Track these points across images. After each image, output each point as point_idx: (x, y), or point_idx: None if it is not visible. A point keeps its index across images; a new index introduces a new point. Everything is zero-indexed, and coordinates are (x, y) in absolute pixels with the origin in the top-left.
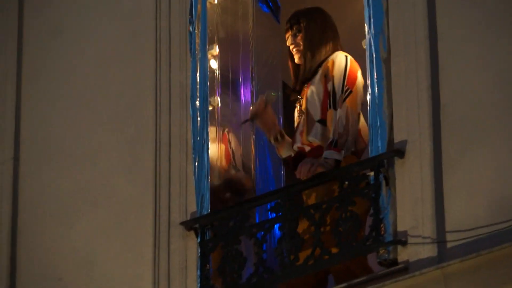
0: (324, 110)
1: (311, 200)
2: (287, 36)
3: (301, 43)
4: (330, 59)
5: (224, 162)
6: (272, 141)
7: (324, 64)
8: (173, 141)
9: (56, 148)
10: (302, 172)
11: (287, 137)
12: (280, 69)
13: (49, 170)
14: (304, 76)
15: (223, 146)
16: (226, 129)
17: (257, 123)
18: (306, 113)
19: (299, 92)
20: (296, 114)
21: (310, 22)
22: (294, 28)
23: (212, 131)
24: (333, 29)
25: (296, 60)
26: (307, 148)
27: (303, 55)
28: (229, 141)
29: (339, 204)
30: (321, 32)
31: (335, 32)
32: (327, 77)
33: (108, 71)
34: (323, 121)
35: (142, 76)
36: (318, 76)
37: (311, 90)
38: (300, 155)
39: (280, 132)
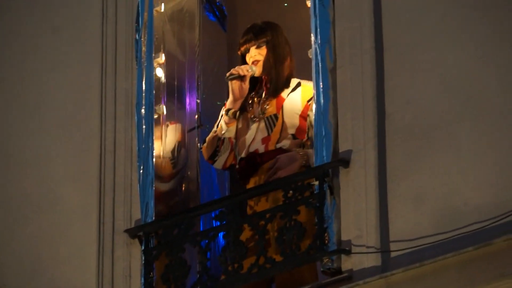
0: (298, 130)
1: (259, 208)
2: (245, 47)
3: (263, 55)
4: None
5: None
6: (230, 114)
7: (305, 88)
8: (118, 149)
9: (1, 154)
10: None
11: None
12: (226, 78)
13: None
14: (277, 89)
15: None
16: (169, 122)
17: (234, 83)
18: (281, 122)
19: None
20: (242, 122)
21: (276, 36)
22: (259, 40)
23: (157, 139)
24: (289, 44)
25: (257, 72)
26: (263, 151)
27: (270, 68)
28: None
29: (284, 213)
30: (283, 48)
31: (289, 48)
32: (311, 105)
33: (54, 78)
34: (295, 137)
35: (88, 83)
36: (297, 96)
37: (290, 106)
38: (250, 159)
39: (238, 110)
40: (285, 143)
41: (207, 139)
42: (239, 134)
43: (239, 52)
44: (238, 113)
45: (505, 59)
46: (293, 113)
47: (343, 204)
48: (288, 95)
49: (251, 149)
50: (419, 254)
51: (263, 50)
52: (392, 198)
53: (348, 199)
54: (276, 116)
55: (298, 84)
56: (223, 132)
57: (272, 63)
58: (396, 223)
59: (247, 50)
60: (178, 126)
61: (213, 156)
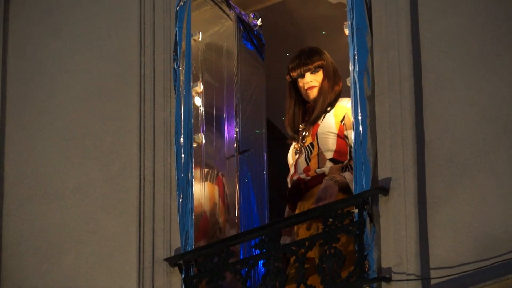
0: (337, 153)
1: (299, 236)
2: (298, 72)
3: (320, 79)
4: (344, 106)
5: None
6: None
7: (338, 107)
8: (157, 178)
9: (41, 184)
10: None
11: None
12: (264, 106)
13: (33, 206)
14: (320, 111)
15: (215, 192)
16: (221, 172)
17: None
18: (317, 149)
19: (297, 130)
20: (294, 150)
21: (328, 61)
22: (314, 64)
23: (196, 168)
24: (338, 70)
25: (311, 96)
26: (309, 178)
27: (323, 92)
28: (224, 185)
29: (323, 241)
30: (334, 73)
31: (339, 74)
32: (346, 125)
33: (93, 107)
34: (334, 160)
35: (127, 113)
36: (331, 117)
37: (323, 129)
38: (297, 186)
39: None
40: (325, 169)
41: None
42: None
43: (288, 77)
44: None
45: None
46: (327, 136)
47: (383, 231)
48: (322, 120)
49: (295, 178)
50: (459, 282)
51: (319, 76)
52: (431, 225)
53: (387, 227)
54: (312, 144)
55: (331, 107)
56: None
57: (328, 88)
58: (436, 250)
59: (301, 75)
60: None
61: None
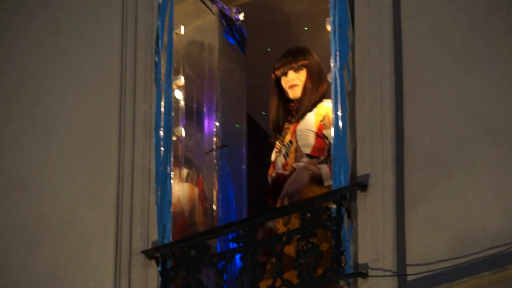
0: (315, 149)
1: (280, 226)
2: (282, 70)
3: (303, 78)
4: (325, 106)
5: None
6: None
7: (320, 107)
8: (136, 171)
9: (20, 176)
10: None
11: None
12: (245, 100)
13: (12, 197)
14: (304, 111)
15: (195, 193)
16: (201, 174)
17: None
18: (295, 145)
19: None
20: (275, 149)
21: (314, 60)
22: (298, 63)
23: (175, 161)
24: (323, 70)
25: (292, 95)
26: (287, 173)
27: (306, 91)
28: (204, 193)
29: (301, 236)
30: (319, 73)
31: (324, 74)
32: (325, 124)
33: (75, 99)
34: (311, 156)
35: (107, 105)
36: (311, 116)
37: (303, 126)
38: (277, 182)
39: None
40: (301, 163)
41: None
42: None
43: (273, 76)
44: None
45: None
46: (306, 134)
47: (360, 227)
48: (303, 119)
49: (273, 175)
50: (435, 278)
51: (302, 75)
52: (409, 222)
53: (365, 223)
54: (291, 142)
55: (313, 106)
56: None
57: (312, 88)
58: (413, 247)
59: (284, 74)
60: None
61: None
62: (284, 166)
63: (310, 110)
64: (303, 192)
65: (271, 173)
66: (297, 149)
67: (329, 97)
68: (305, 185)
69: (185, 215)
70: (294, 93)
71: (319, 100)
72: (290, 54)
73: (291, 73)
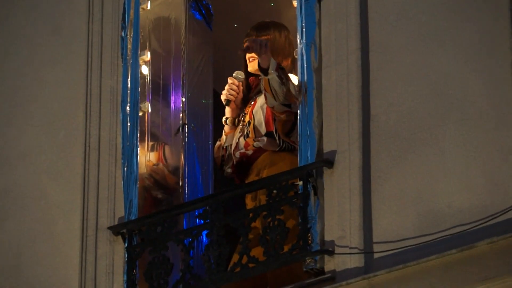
0: (268, 124)
1: (248, 201)
2: (245, 45)
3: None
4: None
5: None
6: (229, 122)
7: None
8: (102, 146)
9: None
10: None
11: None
12: (211, 76)
13: None
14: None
15: (155, 155)
16: (162, 143)
17: (229, 106)
18: (253, 125)
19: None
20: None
21: (279, 35)
22: (260, 37)
23: (141, 136)
24: (292, 46)
25: (251, 68)
26: (250, 152)
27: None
28: (163, 150)
29: (267, 213)
30: (284, 48)
31: (292, 49)
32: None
33: (40, 73)
34: (269, 134)
35: (73, 80)
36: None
37: (259, 104)
38: (242, 163)
39: (237, 117)
40: (261, 142)
41: (214, 150)
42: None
43: (240, 52)
44: (237, 120)
45: (490, 62)
46: (260, 110)
47: (327, 204)
48: (259, 97)
49: (237, 155)
50: (402, 256)
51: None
52: (376, 199)
53: (332, 200)
54: (249, 122)
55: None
56: (224, 141)
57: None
58: (379, 225)
59: (247, 48)
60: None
61: (222, 166)
62: (246, 146)
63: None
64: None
65: (235, 152)
66: (255, 127)
67: (295, 74)
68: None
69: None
70: (253, 66)
71: None
72: (254, 28)
73: (262, 49)
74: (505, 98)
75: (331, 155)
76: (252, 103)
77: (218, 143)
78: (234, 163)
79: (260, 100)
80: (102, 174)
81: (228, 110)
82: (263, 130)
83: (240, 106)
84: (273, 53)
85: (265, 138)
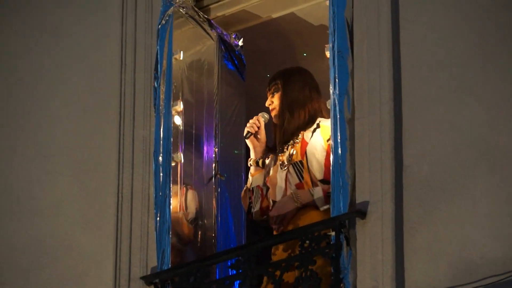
0: (326, 173)
1: (276, 257)
2: (267, 94)
3: (277, 102)
4: (326, 127)
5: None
6: (252, 163)
7: (322, 128)
8: (135, 196)
9: (18, 199)
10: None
11: (264, 168)
12: (244, 126)
13: (10, 222)
14: (285, 136)
15: (176, 201)
16: (188, 186)
17: (249, 140)
18: (306, 167)
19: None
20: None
21: (288, 82)
22: (272, 88)
23: (174, 187)
24: (314, 88)
25: (274, 119)
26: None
27: (280, 115)
28: (185, 196)
29: (300, 263)
30: (299, 92)
31: (316, 91)
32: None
33: (73, 123)
34: (324, 182)
35: (106, 130)
36: (318, 138)
37: (312, 149)
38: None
39: (263, 157)
40: (317, 191)
41: (241, 195)
42: (271, 179)
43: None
44: (261, 161)
45: None
46: (317, 157)
47: (359, 255)
48: (310, 138)
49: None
50: None
51: (275, 97)
52: (408, 249)
53: (364, 250)
54: (301, 162)
55: (318, 126)
56: (251, 183)
57: (280, 109)
58: (412, 275)
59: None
60: (195, 192)
61: (250, 210)
62: (299, 186)
63: (304, 129)
64: (286, 219)
65: (274, 198)
66: (310, 172)
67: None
68: (288, 213)
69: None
70: (273, 115)
71: (312, 117)
72: (272, 77)
73: (269, 97)
74: None
75: (364, 205)
76: (297, 140)
77: (244, 189)
78: (271, 204)
79: (313, 142)
80: (135, 223)
81: (251, 149)
82: (318, 177)
83: (264, 147)
84: (286, 101)
85: (320, 189)
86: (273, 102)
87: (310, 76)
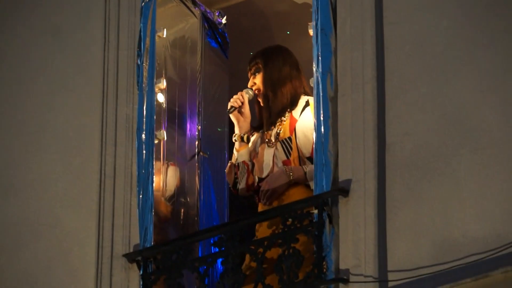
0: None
1: (260, 234)
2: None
3: (259, 83)
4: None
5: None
6: (237, 139)
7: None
8: (118, 173)
9: (0, 176)
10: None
11: (250, 143)
12: (227, 104)
13: None
14: (272, 116)
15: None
16: (169, 162)
17: (233, 115)
18: (295, 144)
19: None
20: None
21: (269, 61)
22: (253, 69)
23: (157, 164)
24: (294, 66)
25: (259, 99)
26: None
27: (263, 95)
28: (166, 173)
29: (282, 241)
30: (280, 71)
31: (296, 69)
32: None
33: (56, 101)
34: (311, 160)
35: (89, 108)
36: (308, 116)
37: (302, 126)
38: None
39: (248, 133)
40: (310, 168)
41: (226, 170)
42: (257, 157)
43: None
44: (246, 136)
45: (506, 92)
46: (306, 135)
47: (342, 233)
48: (300, 115)
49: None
50: (416, 284)
51: (257, 78)
52: (390, 228)
53: (347, 228)
54: (290, 139)
55: (307, 104)
56: (236, 158)
57: (264, 89)
58: (394, 253)
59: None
60: (177, 169)
61: (235, 185)
62: (288, 163)
63: (291, 107)
64: (277, 193)
65: (258, 173)
66: (298, 149)
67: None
68: (280, 187)
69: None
70: (259, 95)
71: (296, 96)
72: (251, 57)
73: (251, 77)
74: None
75: (347, 184)
76: (290, 117)
77: (229, 164)
78: (256, 181)
79: (304, 119)
80: (117, 201)
81: (235, 124)
82: (306, 154)
83: (248, 122)
84: (267, 80)
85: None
86: (256, 83)
87: (290, 54)
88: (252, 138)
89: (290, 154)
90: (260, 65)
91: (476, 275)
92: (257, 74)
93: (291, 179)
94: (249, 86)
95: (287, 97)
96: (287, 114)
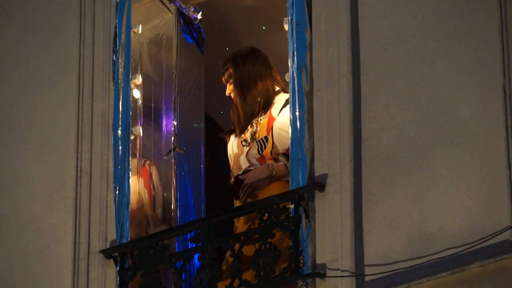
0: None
1: (239, 229)
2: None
3: (231, 88)
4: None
5: (146, 196)
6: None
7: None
8: (94, 170)
9: None
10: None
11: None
12: (203, 100)
13: None
14: (244, 122)
15: (142, 179)
16: (148, 162)
17: None
18: (271, 142)
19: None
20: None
21: (237, 68)
22: (226, 75)
23: (133, 160)
24: (265, 64)
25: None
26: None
27: (237, 97)
28: (151, 175)
29: (259, 236)
30: (248, 74)
31: (267, 67)
32: None
33: (32, 97)
34: (287, 155)
35: (65, 104)
36: (286, 113)
37: (278, 123)
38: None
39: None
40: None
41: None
42: (234, 157)
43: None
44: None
45: (481, 86)
46: (282, 132)
47: (318, 227)
48: (279, 113)
49: (241, 173)
50: (393, 279)
51: (231, 84)
52: (367, 222)
53: (323, 223)
54: (266, 138)
55: (286, 102)
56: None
57: (237, 93)
58: (371, 248)
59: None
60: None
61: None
62: (261, 160)
63: (266, 107)
64: (259, 189)
65: (237, 172)
66: (273, 145)
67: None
68: (262, 181)
69: (134, 209)
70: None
71: (269, 95)
72: (222, 64)
73: (227, 85)
74: (496, 121)
75: (323, 178)
76: (267, 118)
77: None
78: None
79: (281, 119)
80: (94, 197)
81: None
82: (282, 150)
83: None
84: (238, 85)
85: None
86: (229, 88)
87: (260, 54)
88: (230, 140)
89: (263, 151)
90: (231, 70)
91: (452, 269)
92: (230, 80)
93: (273, 174)
94: (227, 93)
95: (258, 99)
96: (264, 115)
